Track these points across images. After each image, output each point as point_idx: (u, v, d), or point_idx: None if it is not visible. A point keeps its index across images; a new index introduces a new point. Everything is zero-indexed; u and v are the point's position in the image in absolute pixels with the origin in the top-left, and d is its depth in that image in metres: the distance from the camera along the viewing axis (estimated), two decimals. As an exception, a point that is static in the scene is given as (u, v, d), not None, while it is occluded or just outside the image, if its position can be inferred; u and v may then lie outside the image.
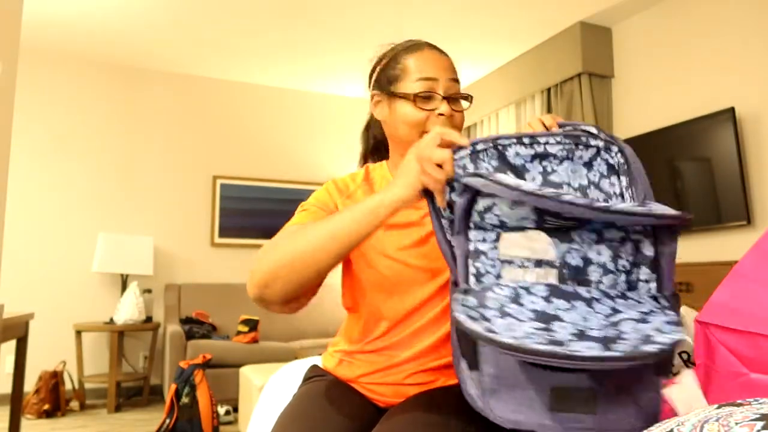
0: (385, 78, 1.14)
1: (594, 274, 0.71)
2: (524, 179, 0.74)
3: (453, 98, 1.10)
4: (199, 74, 4.79)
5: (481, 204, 0.73)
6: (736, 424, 0.50)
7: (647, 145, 3.38)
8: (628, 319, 0.65)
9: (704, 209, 3.09)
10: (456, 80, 1.12)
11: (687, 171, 3.20)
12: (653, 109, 3.55)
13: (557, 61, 3.98)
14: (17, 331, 2.49)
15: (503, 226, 0.73)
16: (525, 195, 0.64)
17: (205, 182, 4.75)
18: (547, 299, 0.70)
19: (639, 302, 0.68)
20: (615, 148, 0.73)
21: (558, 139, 0.71)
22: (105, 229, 4.36)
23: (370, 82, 1.20)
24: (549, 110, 4.12)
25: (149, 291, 4.34)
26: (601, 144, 0.71)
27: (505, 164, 0.77)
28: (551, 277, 0.72)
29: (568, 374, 0.66)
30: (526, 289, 0.71)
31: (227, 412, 3.61)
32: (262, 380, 2.60)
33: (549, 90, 4.12)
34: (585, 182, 0.71)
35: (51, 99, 4.36)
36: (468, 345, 0.75)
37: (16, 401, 2.57)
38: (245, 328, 4.00)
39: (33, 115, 4.28)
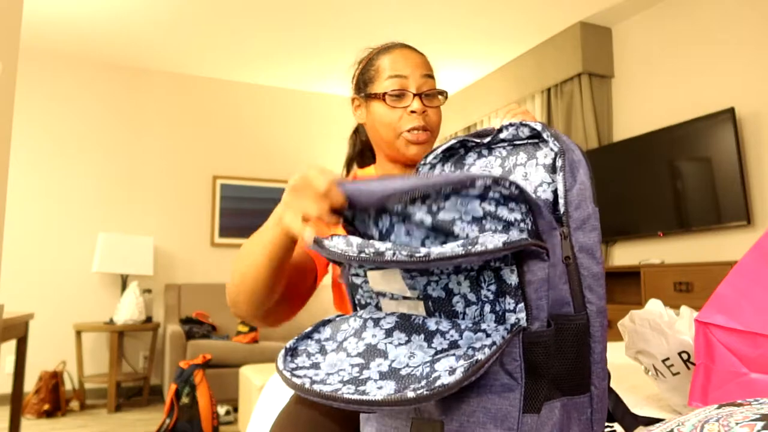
0: (361, 81, 1.15)
1: (458, 305, 0.68)
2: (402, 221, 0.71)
3: (427, 95, 1.10)
4: (199, 74, 4.79)
5: None
6: (737, 424, 0.50)
7: (647, 145, 3.38)
8: (451, 356, 0.63)
9: (704, 209, 3.09)
10: (430, 76, 1.11)
11: (687, 171, 3.20)
12: (653, 109, 3.55)
13: (557, 61, 3.98)
14: (17, 331, 2.49)
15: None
16: (348, 259, 0.64)
17: (205, 182, 4.75)
18: (389, 332, 0.69)
19: (488, 335, 0.65)
20: (507, 183, 0.68)
21: (439, 190, 0.67)
22: (105, 229, 4.36)
23: (351, 87, 1.21)
24: (549, 110, 4.12)
25: (149, 291, 4.34)
26: (488, 182, 0.66)
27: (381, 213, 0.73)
28: (420, 308, 0.71)
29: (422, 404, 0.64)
30: (376, 321, 0.71)
31: (227, 412, 3.61)
32: (262, 380, 2.60)
33: (549, 90, 4.12)
34: (479, 214, 0.67)
35: (51, 99, 4.36)
36: None
37: (16, 401, 2.57)
38: (245, 328, 4.00)
39: (33, 115, 4.28)
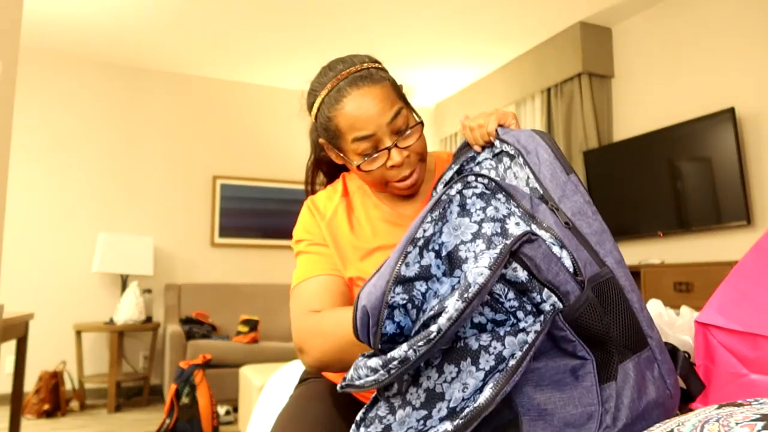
0: (323, 131, 1.01)
1: (489, 332, 0.68)
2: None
3: (404, 133, 0.97)
4: (199, 74, 4.79)
5: None
6: (737, 424, 0.50)
7: (647, 145, 3.38)
8: (498, 373, 0.65)
9: (704, 209, 3.09)
10: (398, 113, 0.96)
11: (687, 171, 3.20)
12: (653, 109, 3.55)
13: (557, 61, 3.98)
14: (17, 331, 2.49)
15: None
16: (384, 383, 0.64)
17: (205, 182, 4.75)
18: (440, 368, 0.70)
19: (527, 333, 0.67)
20: (474, 179, 0.71)
21: (428, 220, 0.69)
22: (105, 229, 4.36)
23: (309, 113, 1.06)
24: (549, 110, 4.12)
25: (149, 291, 4.34)
26: (459, 187, 0.70)
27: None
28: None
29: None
30: (426, 361, 0.71)
31: (227, 412, 3.61)
32: (262, 380, 2.61)
33: (549, 90, 4.12)
34: (474, 229, 0.70)
35: (51, 99, 4.36)
36: None
37: (16, 401, 2.57)
38: (245, 328, 4.00)
39: (33, 115, 4.28)
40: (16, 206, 4.08)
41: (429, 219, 0.69)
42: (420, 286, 0.68)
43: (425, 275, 0.69)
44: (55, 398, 3.75)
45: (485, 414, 0.59)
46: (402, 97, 1.01)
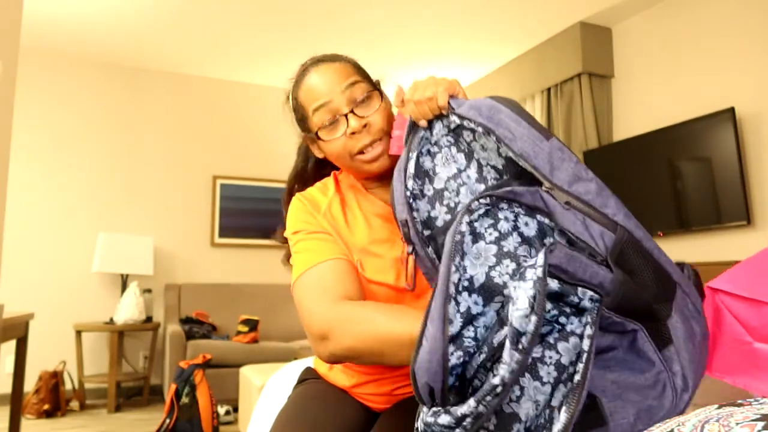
0: (298, 121, 1.08)
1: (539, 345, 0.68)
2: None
3: (360, 104, 0.98)
4: (199, 74, 4.79)
5: None
6: (737, 424, 0.50)
7: (647, 145, 3.38)
8: (561, 390, 0.65)
9: (704, 209, 3.09)
10: (355, 82, 0.98)
11: (687, 171, 3.20)
12: (653, 109, 3.55)
13: (557, 61, 3.98)
14: (17, 331, 2.49)
15: None
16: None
17: (205, 182, 4.75)
18: (504, 390, 0.69)
19: (580, 338, 0.66)
20: (474, 202, 0.70)
21: (454, 265, 0.68)
22: (105, 229, 4.36)
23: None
24: (549, 110, 4.12)
25: (149, 291, 4.34)
26: (467, 218, 0.69)
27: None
28: None
29: None
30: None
31: (227, 412, 3.61)
32: (262, 380, 2.60)
33: (549, 90, 4.12)
34: (495, 250, 0.69)
35: (51, 99, 4.36)
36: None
37: (16, 401, 2.57)
38: (245, 328, 4.00)
39: (33, 115, 4.28)
40: (16, 206, 4.08)
41: (454, 268, 0.66)
42: (468, 333, 0.67)
43: (468, 320, 0.67)
44: (55, 398, 3.75)
45: None
46: (365, 77, 1.03)
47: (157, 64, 4.58)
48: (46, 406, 3.68)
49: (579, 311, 0.66)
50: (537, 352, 0.64)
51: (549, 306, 0.65)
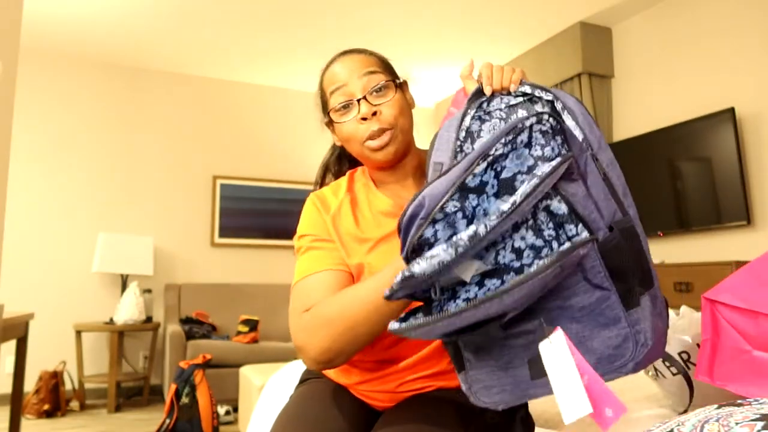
0: (321, 108, 1.13)
1: (529, 257, 0.74)
2: (484, 192, 0.75)
3: (374, 93, 1.02)
4: (199, 74, 4.79)
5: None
6: (737, 424, 0.50)
7: (647, 145, 3.38)
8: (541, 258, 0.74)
9: (704, 209, 3.09)
10: (373, 72, 1.04)
11: (687, 171, 3.20)
12: (653, 109, 3.55)
13: (557, 61, 3.98)
14: (17, 331, 2.49)
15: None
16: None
17: (205, 182, 4.75)
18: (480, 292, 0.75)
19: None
20: (546, 116, 0.74)
21: (502, 141, 0.72)
22: (105, 229, 4.36)
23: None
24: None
25: (149, 291, 4.34)
26: (533, 120, 0.73)
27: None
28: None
29: (536, 346, 0.72)
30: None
31: (227, 412, 3.61)
32: (262, 380, 2.61)
33: (549, 90, 4.12)
34: (531, 162, 0.73)
35: (51, 99, 4.36)
36: (454, 352, 0.81)
37: (16, 401, 2.57)
38: (245, 328, 4.00)
39: (33, 115, 4.28)
40: (16, 206, 4.08)
41: (504, 140, 0.71)
42: (473, 200, 0.72)
43: (480, 190, 0.72)
44: (55, 398, 3.75)
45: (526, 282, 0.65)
46: (387, 70, 1.08)
47: (157, 64, 4.58)
48: (46, 406, 3.68)
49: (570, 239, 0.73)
50: (526, 261, 0.73)
51: (551, 225, 0.73)
